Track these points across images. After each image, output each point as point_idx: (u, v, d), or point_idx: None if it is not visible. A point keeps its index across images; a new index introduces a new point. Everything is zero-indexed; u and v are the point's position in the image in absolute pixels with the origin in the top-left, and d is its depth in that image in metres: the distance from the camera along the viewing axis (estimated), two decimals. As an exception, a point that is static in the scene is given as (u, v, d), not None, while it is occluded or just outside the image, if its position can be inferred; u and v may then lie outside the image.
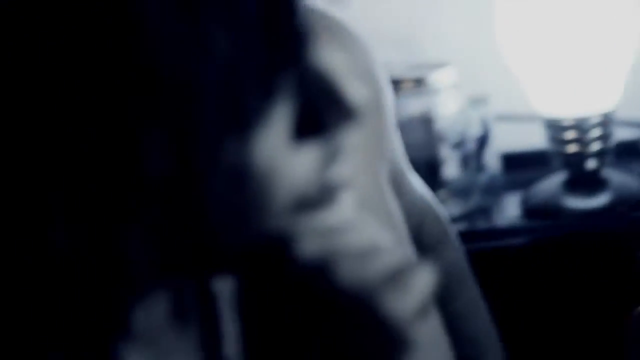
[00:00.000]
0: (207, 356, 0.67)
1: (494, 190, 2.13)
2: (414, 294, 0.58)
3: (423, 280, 0.59)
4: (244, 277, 0.62)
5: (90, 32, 0.51)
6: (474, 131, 2.19)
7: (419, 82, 2.17)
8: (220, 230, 0.57)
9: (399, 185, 0.89)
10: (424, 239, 0.97)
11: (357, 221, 0.62)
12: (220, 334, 0.67)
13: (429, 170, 2.15)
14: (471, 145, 2.18)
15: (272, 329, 0.59)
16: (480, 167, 2.16)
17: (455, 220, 2.00)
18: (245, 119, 0.54)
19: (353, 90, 0.59)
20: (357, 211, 0.63)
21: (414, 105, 2.17)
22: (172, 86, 0.52)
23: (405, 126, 2.17)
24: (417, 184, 0.97)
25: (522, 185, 2.13)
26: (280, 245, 0.59)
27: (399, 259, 0.60)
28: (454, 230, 1.05)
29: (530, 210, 2.00)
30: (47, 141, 0.52)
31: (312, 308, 0.58)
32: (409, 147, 2.22)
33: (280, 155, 0.57)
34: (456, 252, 1.03)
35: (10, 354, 0.57)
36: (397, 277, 0.59)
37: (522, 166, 2.22)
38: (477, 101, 2.23)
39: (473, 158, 2.17)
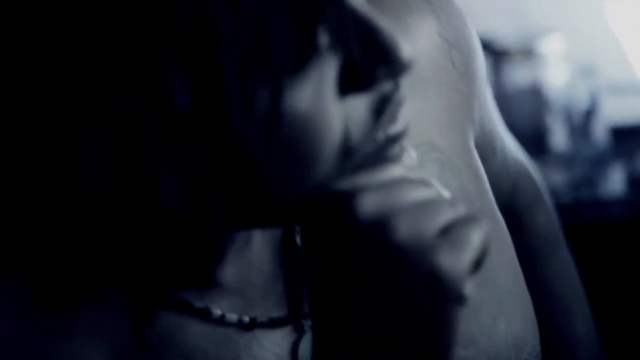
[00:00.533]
0: (290, 309, 0.69)
1: (601, 162, 2.12)
2: (467, 250, 0.59)
3: (477, 236, 0.59)
4: (306, 229, 0.63)
5: None
6: (582, 102, 2.17)
7: (527, 52, 2.16)
8: (274, 182, 0.59)
9: (490, 148, 0.88)
10: (517, 200, 0.98)
11: (416, 176, 0.63)
12: (301, 288, 0.70)
13: (536, 139, 2.15)
14: (579, 116, 2.16)
15: (333, 281, 0.61)
16: (587, 138, 2.15)
17: (560, 190, 2.00)
18: (277, 69, 0.54)
19: (403, 45, 0.59)
20: (408, 168, 0.63)
21: (522, 75, 2.17)
22: (193, 33, 0.53)
23: (513, 95, 2.18)
24: (511, 147, 0.96)
25: (629, 157, 2.11)
26: (338, 198, 0.60)
27: (455, 214, 0.60)
28: (547, 194, 1.04)
29: (636, 183, 1.99)
30: (84, 84, 0.54)
31: (369, 260, 0.59)
32: (517, 116, 2.25)
33: (324, 106, 0.58)
34: (549, 215, 1.02)
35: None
36: (451, 232, 0.59)
37: (630, 138, 2.19)
38: (585, 71, 2.21)
39: (580, 129, 2.15)
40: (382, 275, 0.59)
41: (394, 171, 0.62)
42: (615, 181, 2.03)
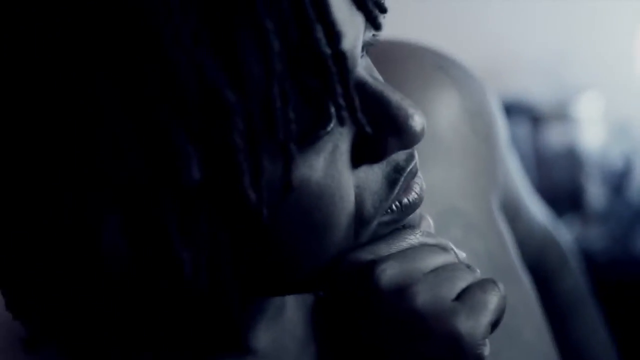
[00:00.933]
0: None
1: (636, 220, 2.13)
2: (484, 313, 0.60)
3: (494, 299, 0.61)
4: (332, 297, 0.64)
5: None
6: (618, 161, 2.21)
7: (563, 115, 2.19)
8: (291, 250, 0.60)
9: (515, 213, 0.88)
10: (544, 264, 0.98)
11: (434, 242, 0.64)
12: (333, 352, 0.70)
13: (573, 199, 2.18)
14: (614, 175, 2.19)
15: (359, 347, 0.62)
16: (623, 196, 2.18)
17: (596, 247, 2.02)
18: (285, 142, 0.55)
19: (415, 116, 0.59)
20: (426, 234, 0.64)
21: (558, 136, 2.21)
22: (200, 108, 0.53)
23: (550, 157, 2.21)
24: (537, 212, 0.96)
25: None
26: (360, 267, 0.61)
27: (473, 278, 0.61)
28: (575, 257, 1.04)
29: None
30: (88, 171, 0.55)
31: (391, 326, 0.60)
32: (554, 176, 2.28)
33: (338, 176, 0.59)
34: (576, 276, 1.01)
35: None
36: (469, 296, 0.60)
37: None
38: (620, 131, 2.25)
39: (616, 188, 2.18)
40: (404, 340, 0.60)
41: (412, 239, 0.63)
42: (651, 240, 2.04)
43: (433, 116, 0.77)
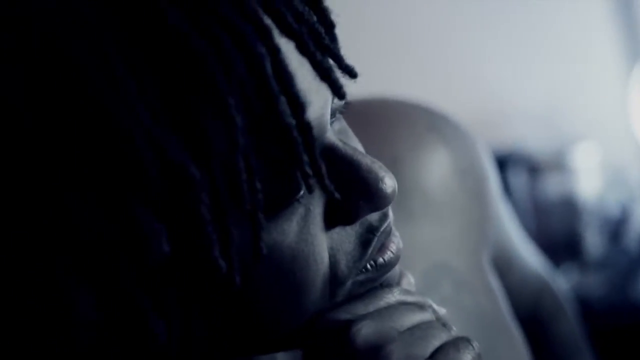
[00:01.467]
0: None
1: (634, 267, 2.14)
2: None
3: (468, 357, 0.61)
4: (309, 354, 0.64)
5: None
6: (615, 209, 2.22)
7: (560, 164, 2.22)
8: (268, 312, 0.60)
9: (508, 264, 0.89)
10: (540, 312, 0.99)
11: (412, 299, 0.64)
12: None
13: (571, 247, 2.20)
14: (612, 223, 2.21)
15: None
16: (620, 244, 2.19)
17: (594, 294, 2.03)
18: (253, 212, 0.55)
19: (386, 180, 0.60)
20: (403, 292, 0.64)
21: (556, 185, 2.23)
22: (163, 184, 0.54)
23: (547, 205, 2.22)
24: (531, 259, 0.97)
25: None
26: (337, 327, 0.61)
27: (448, 336, 0.62)
28: (570, 304, 1.05)
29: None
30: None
31: None
32: (552, 225, 2.28)
33: (311, 239, 0.59)
34: (571, 324, 1.02)
35: None
36: (443, 354, 0.60)
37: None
38: (617, 179, 2.27)
39: (613, 235, 2.20)
40: None
41: (389, 297, 0.63)
42: (649, 287, 2.05)
43: (424, 175, 0.78)
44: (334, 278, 0.61)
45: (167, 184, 0.54)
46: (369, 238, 0.62)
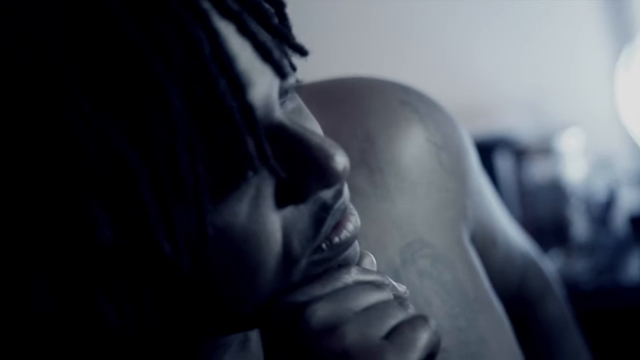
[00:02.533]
0: None
1: (620, 250, 2.16)
2: (413, 350, 0.60)
3: (424, 336, 0.60)
4: (265, 334, 0.64)
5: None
6: (601, 193, 2.23)
7: (547, 149, 2.22)
8: (222, 293, 0.60)
9: (491, 242, 0.88)
10: (527, 291, 0.98)
11: (370, 278, 0.64)
12: None
13: (558, 231, 2.21)
14: (598, 207, 2.22)
15: None
16: (606, 227, 2.20)
17: (582, 278, 2.03)
18: (196, 196, 0.55)
19: (336, 157, 0.59)
20: (361, 272, 0.64)
21: (542, 170, 2.23)
22: (104, 171, 0.54)
23: (534, 190, 2.23)
24: (516, 240, 0.96)
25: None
26: (292, 308, 0.61)
27: (404, 315, 0.61)
28: (558, 284, 1.05)
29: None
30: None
31: None
32: (539, 209, 2.28)
33: (262, 219, 0.59)
34: (558, 304, 1.02)
35: None
36: (398, 334, 0.60)
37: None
38: (603, 164, 2.28)
39: (600, 219, 2.20)
40: None
41: (346, 278, 0.63)
42: (634, 268, 2.06)
43: (398, 151, 0.78)
44: (288, 257, 0.61)
45: (110, 171, 0.54)
46: (323, 216, 0.62)
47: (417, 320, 0.61)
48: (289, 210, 0.61)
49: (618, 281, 2.01)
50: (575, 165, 2.25)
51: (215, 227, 0.57)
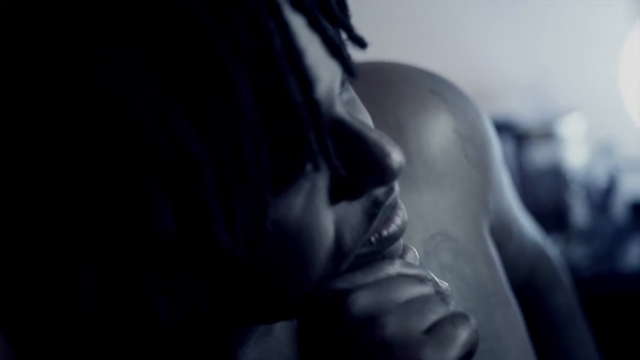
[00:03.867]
0: None
1: (620, 237, 2.16)
2: (453, 347, 0.60)
3: (464, 333, 0.61)
4: (304, 322, 0.64)
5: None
6: (601, 179, 2.24)
7: (547, 134, 2.22)
8: (272, 286, 0.60)
9: (507, 233, 0.88)
10: (536, 281, 0.98)
11: (413, 272, 0.64)
12: None
13: (557, 216, 2.21)
14: (598, 193, 2.22)
15: None
16: (606, 214, 2.21)
17: (581, 264, 2.04)
18: (258, 189, 0.55)
19: (393, 155, 0.59)
20: (405, 265, 0.64)
21: (543, 155, 2.23)
22: (169, 160, 0.53)
23: (534, 175, 2.23)
24: (528, 230, 0.96)
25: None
26: (334, 295, 0.61)
27: (445, 312, 0.61)
28: (564, 272, 1.05)
29: (656, 258, 2.02)
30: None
31: (360, 355, 0.60)
32: (538, 194, 2.29)
33: (316, 213, 0.59)
34: (567, 293, 1.02)
35: None
36: (439, 329, 0.61)
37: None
38: (604, 150, 2.28)
39: (600, 205, 2.21)
40: None
41: (389, 269, 0.63)
42: (634, 255, 2.07)
43: (427, 141, 0.78)
44: (339, 251, 0.61)
45: (173, 160, 0.54)
46: (375, 212, 0.61)
47: (458, 318, 0.62)
48: (342, 205, 0.60)
49: (617, 268, 2.02)
50: (577, 151, 2.25)
51: (271, 220, 0.57)
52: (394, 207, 0.63)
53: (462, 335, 0.61)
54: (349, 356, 0.61)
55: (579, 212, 2.22)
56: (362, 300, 0.61)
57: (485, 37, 2.42)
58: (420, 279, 0.64)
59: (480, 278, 0.78)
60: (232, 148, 0.54)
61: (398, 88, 0.79)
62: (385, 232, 0.62)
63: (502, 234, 0.87)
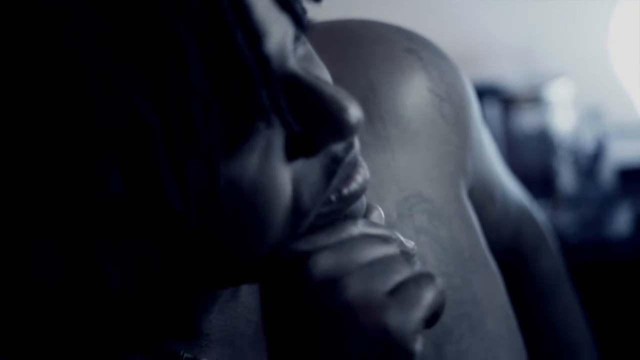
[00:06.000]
0: None
1: (607, 203, 2.16)
2: (417, 308, 0.59)
3: (429, 294, 0.60)
4: (265, 285, 0.63)
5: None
6: (589, 145, 2.22)
7: (535, 98, 2.21)
8: (230, 248, 0.59)
9: (489, 196, 0.87)
10: (521, 244, 0.98)
11: (378, 232, 0.63)
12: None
13: (544, 182, 2.20)
14: (586, 159, 2.21)
15: (289, 337, 0.61)
16: (594, 180, 2.19)
17: (568, 231, 2.04)
18: (208, 149, 0.54)
19: (350, 110, 0.58)
20: (368, 224, 0.63)
21: (530, 120, 2.22)
22: (117, 123, 0.53)
23: (521, 139, 2.22)
24: (513, 192, 0.95)
25: (636, 198, 2.14)
26: (294, 257, 0.61)
27: (410, 272, 0.60)
28: (551, 236, 1.04)
29: (643, 223, 2.02)
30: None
31: (322, 317, 0.59)
32: (525, 159, 2.29)
33: (273, 172, 0.58)
34: (553, 257, 1.01)
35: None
36: (402, 291, 0.60)
37: (636, 180, 2.22)
38: (592, 115, 2.26)
39: (587, 171, 2.20)
40: (333, 333, 0.60)
41: (352, 229, 0.62)
42: (622, 221, 2.07)
43: (401, 101, 0.76)
44: (297, 210, 0.60)
45: (122, 123, 0.53)
46: (334, 169, 0.60)
47: (423, 278, 0.61)
48: (300, 163, 0.60)
49: (604, 235, 2.02)
50: (564, 116, 2.24)
51: (225, 181, 0.56)
52: (354, 165, 0.62)
53: (427, 296, 0.60)
54: (311, 320, 0.60)
55: (566, 178, 2.21)
56: (323, 262, 0.60)
57: (474, 1, 2.41)
58: (385, 239, 0.63)
59: (456, 242, 0.77)
60: (181, 111, 0.53)
61: (371, 47, 0.77)
62: (345, 191, 0.61)
63: (483, 197, 0.86)
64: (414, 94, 0.77)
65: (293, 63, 0.59)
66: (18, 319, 0.59)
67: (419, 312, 0.59)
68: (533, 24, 2.40)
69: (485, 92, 2.21)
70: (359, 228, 0.62)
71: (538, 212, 1.04)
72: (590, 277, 1.91)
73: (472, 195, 0.82)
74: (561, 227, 2.03)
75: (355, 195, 0.62)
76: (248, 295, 0.70)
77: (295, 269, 0.60)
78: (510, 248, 0.94)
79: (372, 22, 0.81)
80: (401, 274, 0.60)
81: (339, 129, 0.58)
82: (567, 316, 1.02)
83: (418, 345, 0.60)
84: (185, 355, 0.67)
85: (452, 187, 0.78)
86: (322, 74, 0.62)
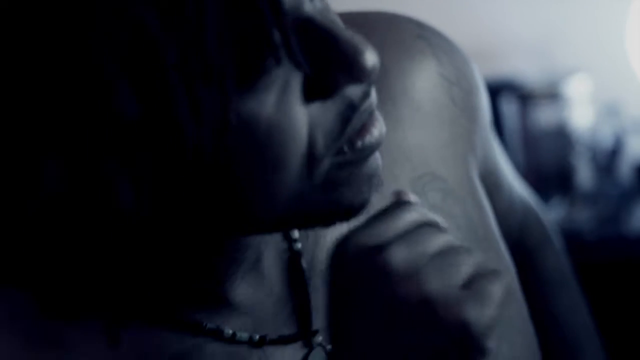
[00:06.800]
0: (299, 326, 0.70)
1: (625, 199, 2.15)
2: (490, 304, 0.59)
3: (499, 290, 0.60)
4: (335, 275, 0.63)
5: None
6: (607, 141, 2.22)
7: (553, 94, 2.20)
8: (243, 187, 0.60)
9: (495, 185, 0.87)
10: (526, 241, 0.98)
11: (429, 220, 0.63)
12: (310, 308, 0.70)
13: (562, 178, 2.19)
14: (604, 155, 2.20)
15: (364, 327, 0.61)
16: (612, 176, 2.19)
17: (585, 227, 2.03)
18: (222, 84, 0.55)
19: (366, 54, 0.59)
20: (418, 211, 0.63)
21: (548, 116, 2.21)
22: (135, 52, 0.54)
23: (539, 136, 2.22)
24: (518, 188, 0.96)
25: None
26: (367, 252, 0.61)
27: (476, 264, 0.61)
28: (558, 235, 1.03)
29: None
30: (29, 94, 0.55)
31: (401, 310, 0.59)
32: (543, 156, 2.29)
33: (289, 112, 0.59)
34: (557, 254, 1.01)
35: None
36: (475, 284, 0.60)
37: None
38: (610, 111, 2.25)
39: (605, 167, 2.19)
40: (411, 325, 0.60)
41: (408, 217, 0.63)
42: (639, 219, 2.06)
43: (412, 83, 0.77)
44: (311, 155, 0.60)
45: (138, 47, 0.54)
46: (349, 115, 0.61)
47: (492, 274, 0.61)
48: (316, 107, 0.60)
49: (622, 231, 2.01)
50: (582, 112, 2.23)
51: (240, 116, 0.57)
52: (370, 114, 0.62)
53: (497, 291, 0.60)
54: (389, 312, 0.60)
55: (584, 174, 2.20)
56: (399, 255, 0.60)
57: (491, -3, 2.41)
58: (437, 226, 0.63)
59: (470, 220, 0.78)
60: (196, 37, 0.54)
61: (383, 34, 0.78)
62: (359, 142, 0.61)
63: (490, 185, 0.86)
64: (425, 77, 0.78)
65: (309, 7, 0.59)
66: (30, 245, 0.59)
67: (492, 307, 0.60)
68: (551, 20, 2.40)
69: (502, 88, 2.20)
70: (412, 215, 0.63)
71: (542, 210, 1.04)
72: (608, 273, 1.91)
73: (481, 179, 0.83)
74: (579, 224, 2.02)
75: (370, 148, 0.62)
76: (270, 267, 0.71)
77: (369, 264, 0.61)
78: (515, 244, 0.94)
79: (383, 12, 0.82)
80: (468, 265, 0.61)
81: (355, 71, 0.59)
82: (571, 316, 1.02)
83: (492, 342, 0.60)
84: (208, 325, 0.68)
85: (463, 167, 0.79)
86: (339, 22, 0.62)
